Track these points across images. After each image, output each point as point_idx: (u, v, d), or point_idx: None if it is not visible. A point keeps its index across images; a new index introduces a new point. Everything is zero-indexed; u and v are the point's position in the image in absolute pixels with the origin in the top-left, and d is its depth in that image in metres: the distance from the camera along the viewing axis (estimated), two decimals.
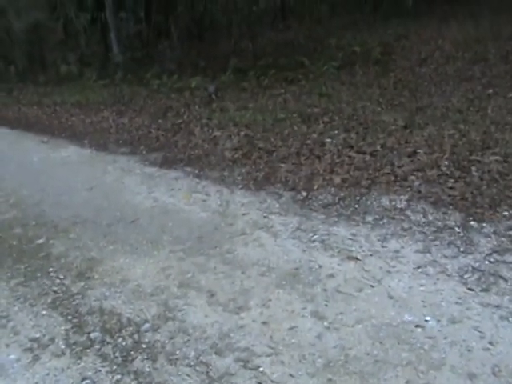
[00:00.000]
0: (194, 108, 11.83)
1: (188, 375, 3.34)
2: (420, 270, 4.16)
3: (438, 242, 4.54)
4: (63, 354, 3.74)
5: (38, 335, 4.01)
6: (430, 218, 4.97)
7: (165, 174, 7.67)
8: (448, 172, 5.83)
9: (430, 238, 4.63)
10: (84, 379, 3.45)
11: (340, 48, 14.88)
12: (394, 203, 5.38)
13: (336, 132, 7.93)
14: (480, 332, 3.34)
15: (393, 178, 5.95)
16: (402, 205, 5.31)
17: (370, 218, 5.17)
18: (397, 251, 4.49)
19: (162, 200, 6.61)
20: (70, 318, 4.19)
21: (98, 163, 8.90)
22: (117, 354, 3.64)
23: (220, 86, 13.40)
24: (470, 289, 3.83)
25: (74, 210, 6.64)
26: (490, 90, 9.18)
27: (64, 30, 25.24)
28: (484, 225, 4.71)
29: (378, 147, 6.94)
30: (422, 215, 5.04)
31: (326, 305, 3.86)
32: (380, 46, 14.18)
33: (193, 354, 3.52)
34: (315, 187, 6.10)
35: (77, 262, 5.16)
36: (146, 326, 3.92)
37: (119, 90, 16.20)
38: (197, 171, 7.49)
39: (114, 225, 5.99)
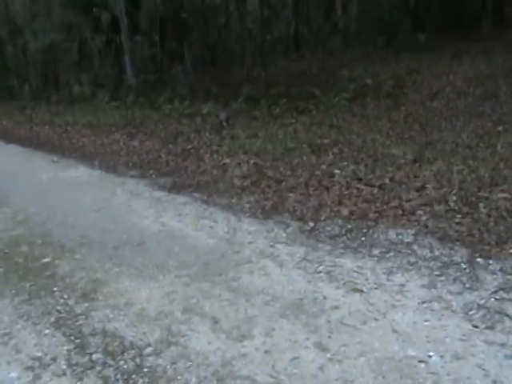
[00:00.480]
0: (204, 134, 11.91)
1: None
2: (425, 305, 4.14)
3: (443, 278, 4.51)
4: (64, 374, 3.73)
5: (39, 354, 4.00)
6: (437, 253, 4.95)
7: (173, 198, 7.70)
8: (456, 208, 5.82)
9: (436, 273, 4.60)
10: None
11: (352, 80, 14.99)
12: (400, 237, 5.36)
13: (345, 164, 7.96)
14: (484, 370, 3.30)
15: (400, 212, 5.94)
16: (409, 239, 5.29)
17: (376, 251, 5.15)
18: (402, 285, 4.47)
19: (169, 225, 6.62)
20: (72, 338, 4.18)
21: (106, 185, 8.95)
22: (118, 377, 3.62)
23: (231, 113, 13.49)
24: (474, 326, 3.80)
25: (80, 230, 6.66)
26: (500, 127, 9.19)
27: (79, 51, 25.59)
28: (490, 262, 4.67)
29: (387, 180, 6.95)
30: (428, 250, 5.02)
31: (330, 336, 3.83)
32: (392, 80, 14.29)
33: (194, 379, 3.49)
34: (322, 218, 6.10)
35: (82, 283, 5.15)
36: (149, 349, 3.90)
37: (131, 113, 16.32)
38: (205, 197, 7.51)
39: (120, 247, 6.00)
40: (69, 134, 15.14)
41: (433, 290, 4.34)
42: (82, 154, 11.94)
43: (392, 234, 5.45)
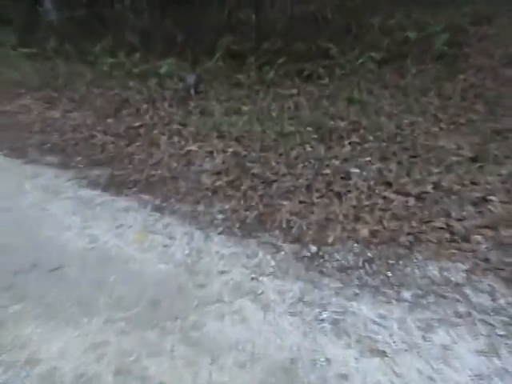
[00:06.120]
0: (161, 105, 11.93)
1: None
2: (481, 382, 4.11)
3: (510, 341, 4.49)
4: None
5: None
6: (502, 301, 4.94)
7: (110, 201, 7.70)
8: None
9: (500, 333, 4.59)
10: None
11: (386, 32, 14.96)
12: (446, 274, 5.36)
13: (368, 159, 8.00)
14: None
15: (447, 236, 5.94)
16: (459, 277, 5.29)
17: (407, 294, 5.15)
18: (446, 347, 4.46)
19: (102, 240, 6.61)
20: None
21: (10, 177, 8.91)
22: None
23: (203, 75, 13.47)
24: None
25: None
26: None
27: None
28: None
29: (429, 187, 6.96)
30: (488, 296, 5.01)
31: None
32: (447, 33, 14.21)
33: None
34: (330, 240, 6.12)
35: None
36: None
37: (51, 67, 16.27)
38: (158, 201, 7.54)
39: (25, 272, 5.98)
40: None
41: (494, 359, 4.32)
42: None
43: (433, 269, 5.45)
